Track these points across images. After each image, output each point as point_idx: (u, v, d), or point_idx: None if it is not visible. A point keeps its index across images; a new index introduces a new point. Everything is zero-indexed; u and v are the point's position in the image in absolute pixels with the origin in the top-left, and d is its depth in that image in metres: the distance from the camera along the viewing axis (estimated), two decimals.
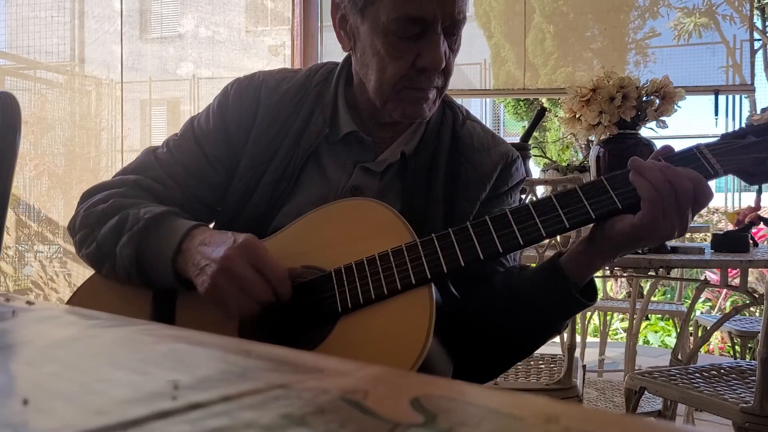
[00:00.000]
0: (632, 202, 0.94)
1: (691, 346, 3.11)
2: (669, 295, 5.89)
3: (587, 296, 1.02)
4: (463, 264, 0.95)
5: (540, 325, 1.07)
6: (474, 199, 1.15)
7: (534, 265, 1.90)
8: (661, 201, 0.91)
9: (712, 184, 0.96)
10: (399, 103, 1.09)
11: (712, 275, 4.60)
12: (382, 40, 1.05)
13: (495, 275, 1.13)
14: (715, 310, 5.68)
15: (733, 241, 2.31)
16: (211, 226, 1.22)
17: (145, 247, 1.03)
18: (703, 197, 0.93)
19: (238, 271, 0.93)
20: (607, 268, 2.24)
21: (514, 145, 1.33)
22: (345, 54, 1.21)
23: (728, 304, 5.63)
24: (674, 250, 2.21)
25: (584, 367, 2.25)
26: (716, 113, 4.48)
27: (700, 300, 5.65)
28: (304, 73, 1.23)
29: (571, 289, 1.00)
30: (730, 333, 3.48)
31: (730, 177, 1.03)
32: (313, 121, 1.16)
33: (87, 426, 0.32)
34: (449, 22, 1.04)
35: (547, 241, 2.01)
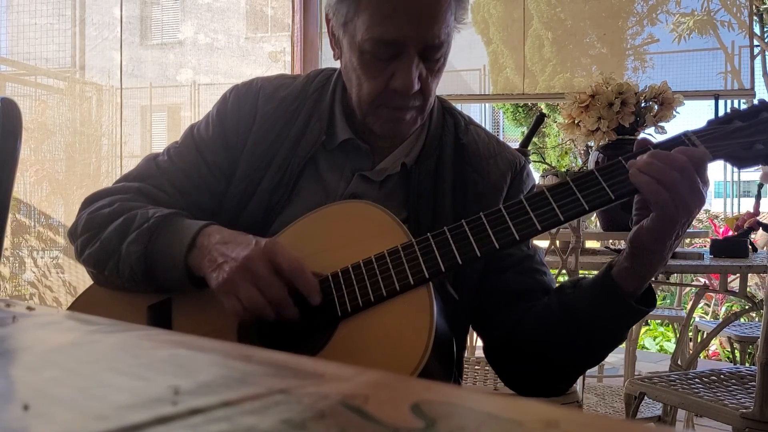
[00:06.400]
0: (624, 191, 0.94)
1: (691, 352, 3.11)
2: (668, 300, 5.88)
3: (647, 301, 1.01)
4: (460, 262, 0.95)
5: (605, 339, 1.06)
6: None
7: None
8: (660, 183, 0.90)
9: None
10: (377, 118, 1.10)
11: (714, 280, 4.60)
12: (358, 59, 1.06)
13: (548, 292, 1.12)
14: (709, 315, 5.68)
15: (732, 247, 2.31)
16: None
17: (155, 244, 1.02)
18: (693, 153, 0.92)
19: (257, 269, 0.93)
20: None
21: None
22: None
23: (723, 309, 5.63)
24: (673, 255, 2.21)
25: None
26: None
27: (699, 305, 5.64)
28: (302, 79, 1.22)
29: (632, 302, 0.99)
30: (729, 338, 3.48)
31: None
32: (310, 128, 1.15)
33: (87, 431, 0.32)
34: (423, 46, 1.03)
35: (547, 246, 2.01)
